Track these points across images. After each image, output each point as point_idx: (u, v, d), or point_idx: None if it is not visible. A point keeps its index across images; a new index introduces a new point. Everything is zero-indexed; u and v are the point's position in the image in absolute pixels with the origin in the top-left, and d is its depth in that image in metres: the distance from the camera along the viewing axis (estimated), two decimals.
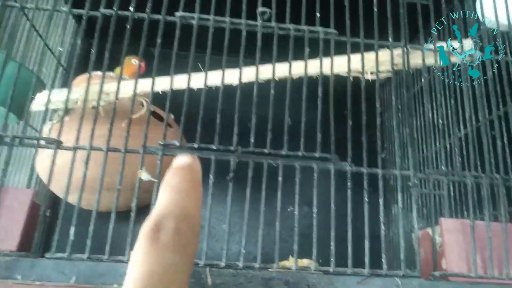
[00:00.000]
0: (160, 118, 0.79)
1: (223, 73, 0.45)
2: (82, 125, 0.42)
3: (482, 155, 0.47)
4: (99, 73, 0.77)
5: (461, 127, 0.56)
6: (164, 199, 0.14)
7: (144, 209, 0.40)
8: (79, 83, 0.78)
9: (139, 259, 0.12)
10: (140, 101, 0.70)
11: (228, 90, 0.47)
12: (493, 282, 0.42)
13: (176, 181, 0.14)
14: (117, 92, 0.43)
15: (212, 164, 0.42)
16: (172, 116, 0.92)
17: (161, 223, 0.13)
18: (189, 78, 0.44)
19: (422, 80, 0.82)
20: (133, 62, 0.87)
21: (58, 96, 0.63)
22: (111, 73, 0.82)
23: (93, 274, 0.38)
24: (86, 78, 0.48)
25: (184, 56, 0.45)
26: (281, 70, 0.47)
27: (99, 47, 0.46)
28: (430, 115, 0.75)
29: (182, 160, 0.15)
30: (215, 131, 0.42)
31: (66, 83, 0.80)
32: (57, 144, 0.41)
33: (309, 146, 0.44)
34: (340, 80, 0.49)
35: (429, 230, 0.48)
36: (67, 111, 0.75)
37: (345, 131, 0.45)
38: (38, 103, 0.63)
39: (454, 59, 0.50)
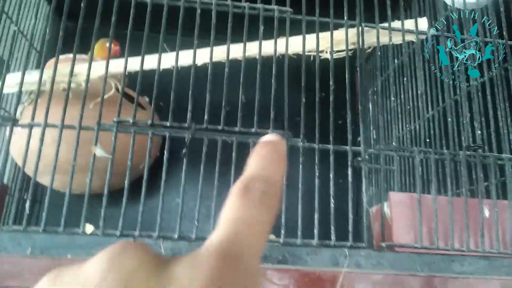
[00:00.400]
0: (132, 100, 0.79)
1: (177, 54, 0.45)
2: (38, 104, 0.43)
3: (447, 135, 0.48)
4: (70, 55, 0.77)
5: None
6: (254, 165, 0.16)
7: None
8: (51, 66, 0.78)
9: (229, 209, 0.14)
10: (109, 83, 0.71)
11: (183, 69, 0.47)
12: (437, 253, 0.44)
13: (264, 152, 0.17)
14: (70, 74, 0.44)
15: (167, 141, 0.43)
16: (146, 99, 0.93)
17: (251, 184, 0.15)
18: (142, 59, 0.45)
19: (395, 62, 0.83)
20: (107, 45, 0.87)
21: (25, 78, 0.63)
22: (83, 56, 0.82)
23: (48, 246, 0.40)
24: (61, 60, 0.49)
25: (140, 36, 0.45)
26: (236, 50, 0.48)
27: (73, 29, 0.46)
28: (402, 96, 0.77)
29: (270, 136, 0.18)
30: (169, 109, 0.43)
31: (39, 66, 0.80)
32: (13, 122, 0.42)
33: (276, 124, 0.45)
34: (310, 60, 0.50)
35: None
36: (38, 93, 0.75)
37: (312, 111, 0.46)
38: (7, 85, 0.64)
39: (409, 37, 0.51)
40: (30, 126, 0.42)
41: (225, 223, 0.14)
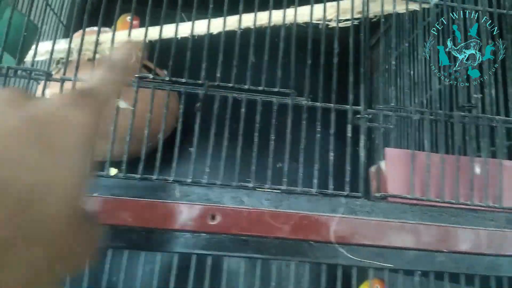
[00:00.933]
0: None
1: (193, 24, 0.50)
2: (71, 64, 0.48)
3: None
4: (95, 28, 0.83)
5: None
6: (116, 60, 0.23)
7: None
8: (77, 36, 0.84)
9: (96, 76, 0.21)
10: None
11: (199, 37, 0.52)
12: (428, 204, 0.47)
13: (121, 54, 0.23)
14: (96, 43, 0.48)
15: (183, 96, 0.48)
16: (165, 72, 0.98)
17: (111, 65, 0.22)
18: (161, 28, 0.49)
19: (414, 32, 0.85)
20: (127, 20, 0.91)
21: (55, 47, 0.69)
22: (107, 29, 0.87)
23: None
24: (85, 32, 0.54)
25: (158, 13, 0.50)
26: (248, 19, 0.52)
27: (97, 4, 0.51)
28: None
29: (127, 44, 0.24)
30: (185, 67, 0.48)
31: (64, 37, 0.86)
32: (47, 76, 0.47)
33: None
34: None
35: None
36: (66, 61, 0.81)
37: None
38: (37, 53, 0.69)
39: (413, 6, 0.53)
40: (62, 80, 0.47)
41: (88, 82, 0.21)
